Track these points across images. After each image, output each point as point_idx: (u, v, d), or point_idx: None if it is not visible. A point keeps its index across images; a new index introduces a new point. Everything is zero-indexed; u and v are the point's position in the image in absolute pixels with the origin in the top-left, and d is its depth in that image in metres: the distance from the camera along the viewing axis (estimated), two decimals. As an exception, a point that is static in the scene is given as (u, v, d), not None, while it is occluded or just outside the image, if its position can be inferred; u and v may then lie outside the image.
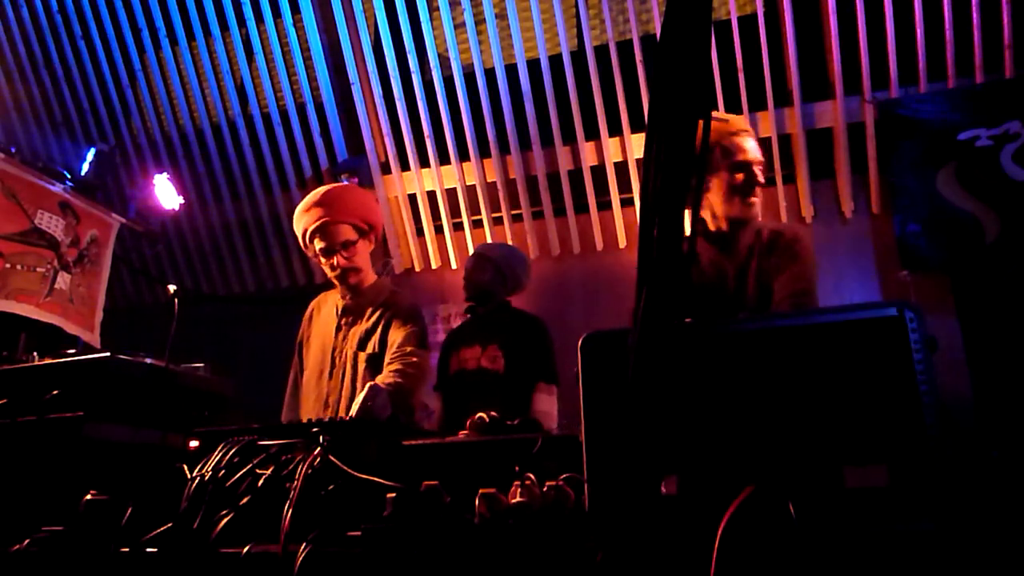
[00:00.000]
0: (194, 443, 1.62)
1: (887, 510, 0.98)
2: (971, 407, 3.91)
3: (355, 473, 1.37)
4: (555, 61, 4.92)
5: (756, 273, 2.04)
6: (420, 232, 5.60)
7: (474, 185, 5.33)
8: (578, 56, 4.90)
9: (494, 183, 5.28)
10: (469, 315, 3.34)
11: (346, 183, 5.06)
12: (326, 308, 2.74)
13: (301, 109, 5.53)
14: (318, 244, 2.56)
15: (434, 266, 5.61)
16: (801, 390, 1.07)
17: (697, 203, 1.89)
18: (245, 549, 1.26)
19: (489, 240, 5.34)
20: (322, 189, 2.65)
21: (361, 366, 2.49)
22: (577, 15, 4.85)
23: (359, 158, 5.45)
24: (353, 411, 2.00)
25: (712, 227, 2.12)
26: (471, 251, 5.38)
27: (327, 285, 2.83)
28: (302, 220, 2.58)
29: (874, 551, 0.96)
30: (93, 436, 1.79)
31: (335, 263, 2.56)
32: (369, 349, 2.51)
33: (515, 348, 3.03)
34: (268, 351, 3.37)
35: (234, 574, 1.27)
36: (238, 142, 5.73)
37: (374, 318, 2.57)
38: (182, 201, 5.08)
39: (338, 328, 2.61)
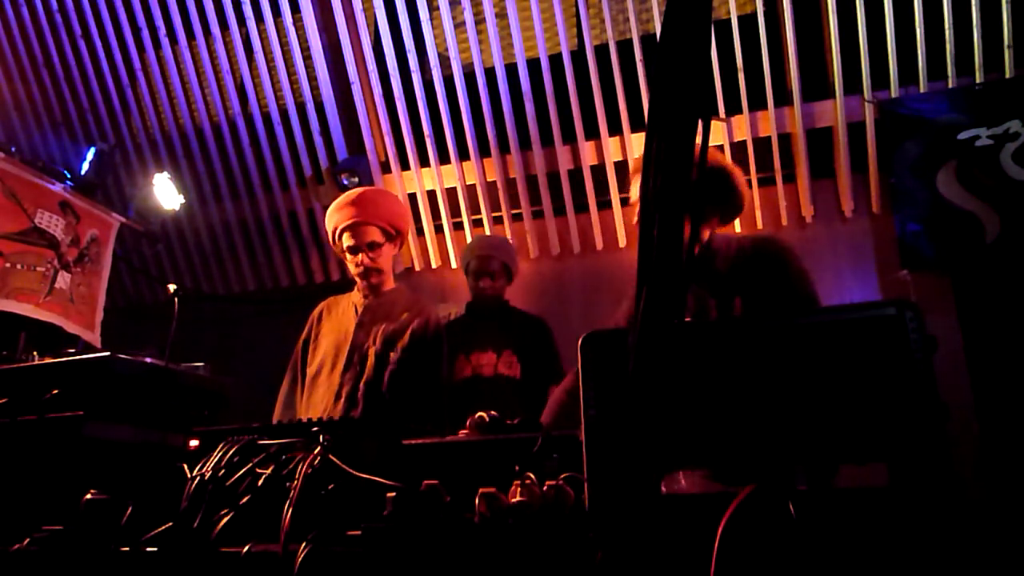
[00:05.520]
0: (194, 442, 1.62)
1: (887, 510, 0.98)
2: (971, 407, 3.91)
3: (355, 472, 1.37)
4: (555, 61, 4.92)
5: (742, 298, 1.92)
6: (420, 231, 5.60)
7: (474, 184, 5.33)
8: (578, 56, 4.89)
9: (494, 182, 5.28)
10: (466, 312, 3.31)
11: (351, 184, 5.08)
12: (340, 308, 2.79)
13: (301, 109, 5.52)
14: (346, 241, 2.66)
15: (434, 265, 5.61)
16: (800, 389, 1.07)
17: (698, 203, 1.87)
18: (245, 548, 1.26)
19: (489, 240, 5.34)
20: (358, 190, 2.79)
21: (389, 366, 2.55)
22: (577, 15, 4.85)
23: (359, 158, 5.44)
24: None
25: None
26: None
27: (328, 285, 2.87)
28: (334, 217, 2.68)
29: (873, 551, 0.96)
30: (93, 436, 1.79)
31: (359, 261, 2.66)
32: (399, 349, 2.59)
33: (528, 353, 3.03)
34: (268, 351, 3.37)
35: (234, 574, 1.27)
36: (238, 142, 5.72)
37: (403, 319, 2.65)
38: (182, 201, 5.08)
39: (359, 325, 2.66)
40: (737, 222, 4.84)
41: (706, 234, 2.04)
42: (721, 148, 4.75)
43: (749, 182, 4.80)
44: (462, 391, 3.00)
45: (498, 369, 2.97)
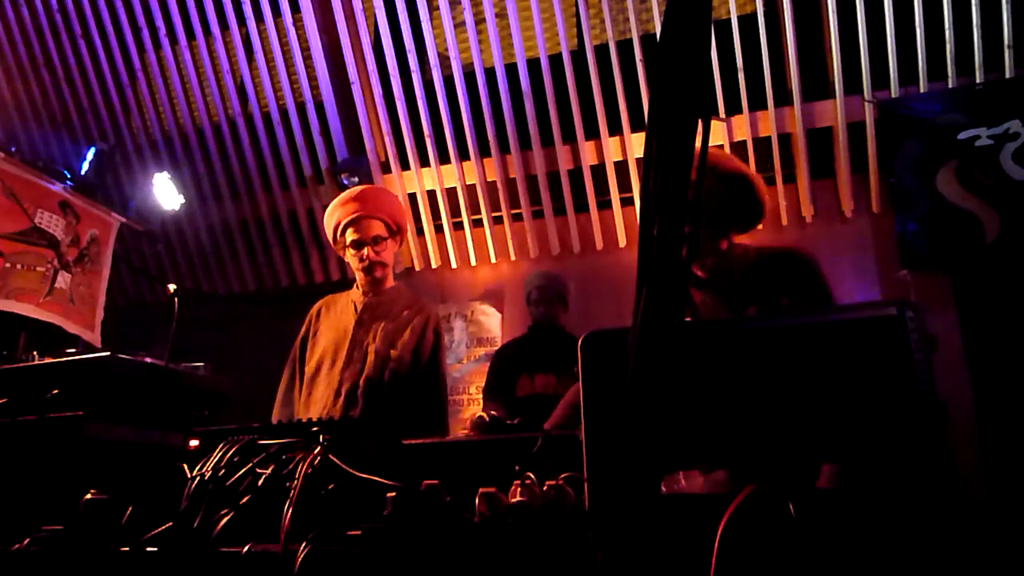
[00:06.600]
0: (194, 442, 1.62)
1: (886, 510, 0.98)
2: (971, 407, 3.91)
3: (355, 472, 1.37)
4: (555, 61, 4.92)
5: (758, 308, 1.88)
6: (420, 231, 5.60)
7: (474, 184, 5.33)
8: (578, 56, 4.90)
9: (494, 182, 5.29)
10: (529, 333, 3.51)
11: (351, 184, 5.09)
12: (339, 305, 2.80)
13: (301, 109, 5.53)
14: (350, 236, 2.66)
15: (434, 265, 5.62)
16: (800, 389, 1.07)
17: (697, 204, 1.85)
18: (245, 548, 1.26)
19: (489, 239, 5.35)
20: (357, 188, 2.81)
21: (390, 363, 2.56)
22: (577, 15, 4.85)
23: (359, 158, 5.44)
24: None
25: (700, 273, 1.94)
26: (471, 251, 5.42)
27: (328, 285, 2.87)
28: (336, 214, 2.69)
29: (873, 551, 0.96)
30: (93, 436, 1.79)
31: (364, 255, 2.66)
32: (399, 347, 2.60)
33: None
34: (268, 351, 3.36)
35: (234, 574, 1.27)
36: (238, 142, 5.73)
37: (403, 316, 2.67)
38: (182, 201, 5.09)
39: (359, 322, 2.66)
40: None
41: (724, 243, 1.97)
42: (721, 148, 4.75)
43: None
44: (521, 408, 3.12)
45: (557, 390, 3.10)
